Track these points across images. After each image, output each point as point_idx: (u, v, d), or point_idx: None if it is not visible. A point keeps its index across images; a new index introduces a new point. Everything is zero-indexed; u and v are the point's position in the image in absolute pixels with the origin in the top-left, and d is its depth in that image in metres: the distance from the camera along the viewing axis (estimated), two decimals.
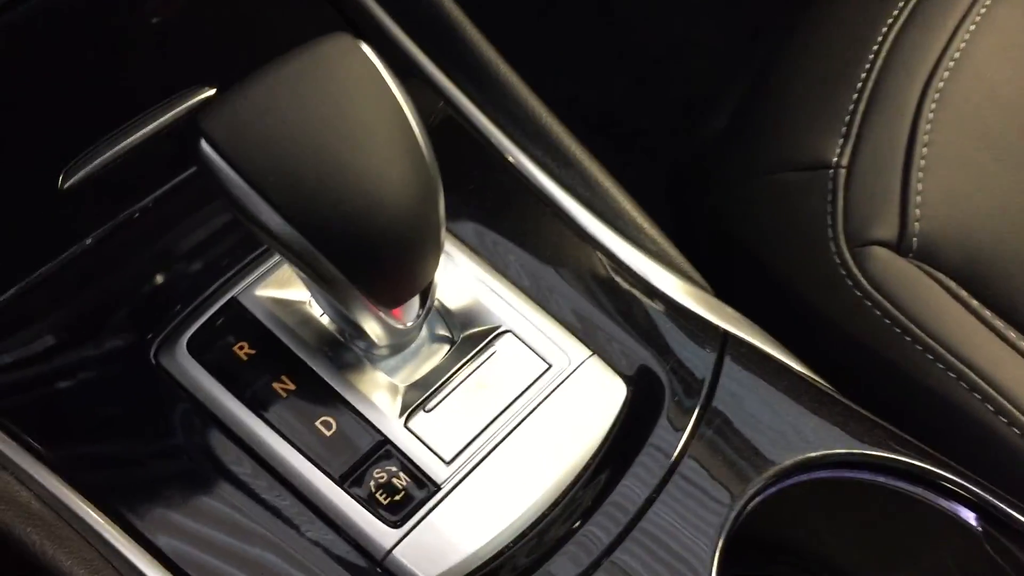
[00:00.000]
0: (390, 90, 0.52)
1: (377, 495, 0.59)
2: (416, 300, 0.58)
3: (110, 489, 0.58)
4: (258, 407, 0.60)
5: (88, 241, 0.65)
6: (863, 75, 0.88)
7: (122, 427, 0.60)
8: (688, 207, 0.97)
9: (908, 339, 0.78)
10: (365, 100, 0.51)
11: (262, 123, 0.48)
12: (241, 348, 0.62)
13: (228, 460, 0.59)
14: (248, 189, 0.48)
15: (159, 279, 0.65)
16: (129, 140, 0.66)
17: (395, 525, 0.58)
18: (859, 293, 0.80)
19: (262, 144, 0.48)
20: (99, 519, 0.56)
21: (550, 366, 0.64)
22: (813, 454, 0.62)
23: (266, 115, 0.49)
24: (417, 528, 0.58)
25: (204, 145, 0.48)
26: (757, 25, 1.05)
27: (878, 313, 0.79)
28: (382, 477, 0.59)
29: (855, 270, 0.80)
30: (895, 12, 0.90)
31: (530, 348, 0.65)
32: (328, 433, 0.60)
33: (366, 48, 0.52)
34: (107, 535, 0.55)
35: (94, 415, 0.60)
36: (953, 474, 0.64)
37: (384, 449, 0.60)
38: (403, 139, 0.52)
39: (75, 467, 0.58)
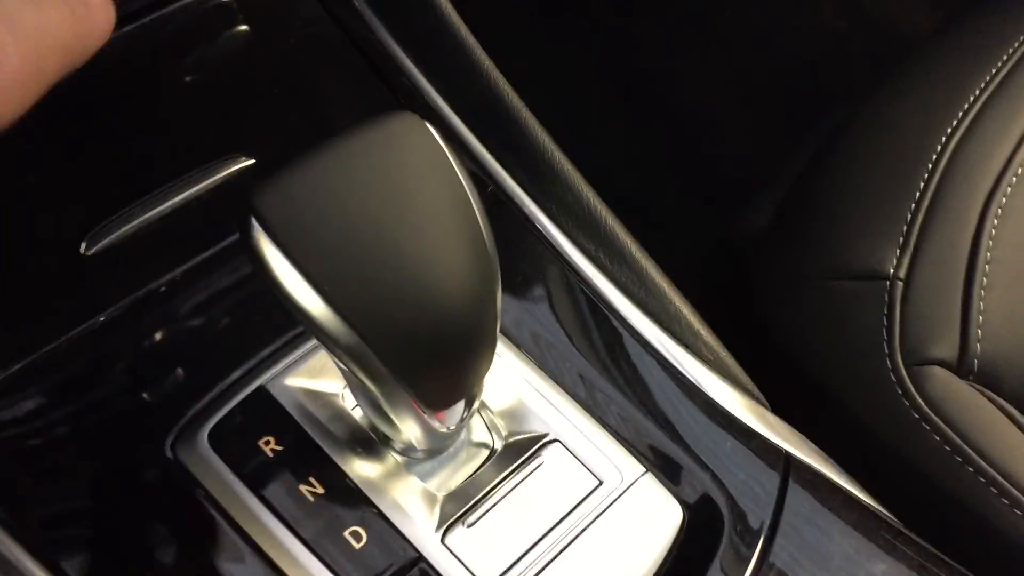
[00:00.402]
0: (456, 175, 0.48)
1: None
2: (462, 403, 0.53)
3: None
4: (283, 512, 0.54)
5: (107, 315, 0.60)
6: (922, 183, 0.84)
7: (132, 526, 0.54)
8: (729, 312, 0.93)
9: (970, 469, 0.73)
10: (429, 185, 0.47)
11: (319, 205, 0.44)
12: (267, 443, 0.56)
13: (247, 571, 0.53)
14: (298, 276, 0.44)
15: (180, 361, 0.60)
16: (161, 208, 0.62)
17: None
18: (917, 415, 0.75)
19: (318, 228, 0.44)
20: None
21: (601, 482, 0.59)
22: None
23: (324, 196, 0.44)
24: None
25: (254, 225, 0.44)
26: (805, 119, 1.02)
27: (937, 438, 0.74)
28: None
29: (912, 390, 0.76)
30: (956, 119, 0.87)
31: (579, 461, 0.59)
32: (358, 545, 0.54)
33: (432, 129, 0.48)
34: None
35: (102, 513, 0.54)
36: None
37: (418, 567, 0.54)
38: (468, 227, 0.48)
39: (82, 570, 0.52)
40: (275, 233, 0.43)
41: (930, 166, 0.85)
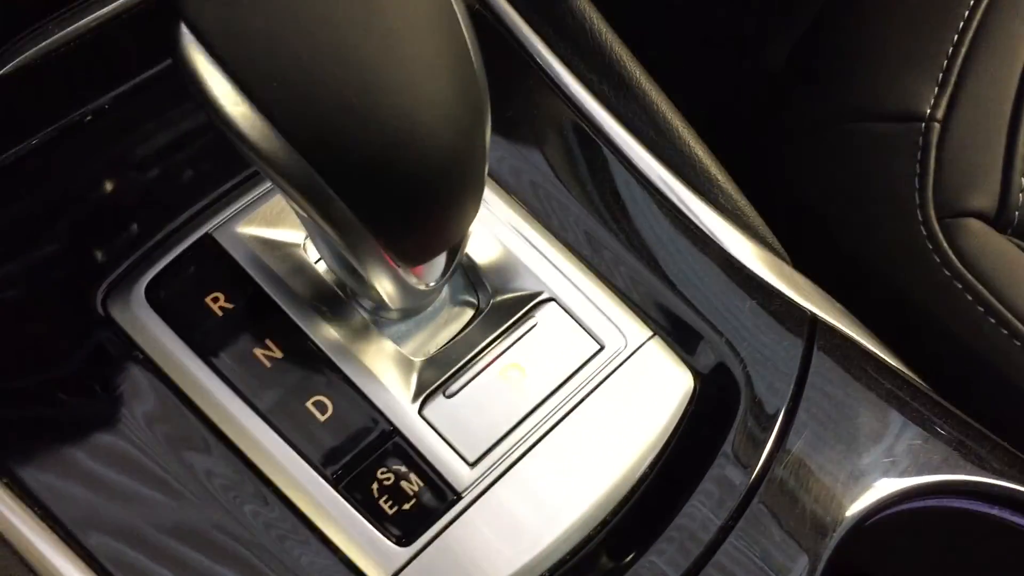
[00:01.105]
0: None
1: (381, 502, 0.46)
2: (443, 255, 0.45)
3: (36, 476, 0.45)
4: (234, 378, 0.47)
5: (25, 146, 0.51)
6: (966, 12, 0.75)
7: (56, 394, 0.47)
8: (743, 159, 0.84)
9: (1004, 331, 0.66)
10: None
11: (265, 8, 0.35)
12: (216, 300, 0.48)
13: (192, 447, 0.46)
14: (241, 98, 0.36)
15: (112, 203, 0.51)
16: (84, 20, 0.52)
17: (402, 543, 0.46)
18: (948, 272, 0.68)
19: (264, 37, 0.36)
20: (21, 513, 0.43)
21: (602, 347, 0.52)
22: (921, 480, 0.50)
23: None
24: (429, 548, 0.46)
25: (184, 33, 0.36)
26: None
27: (969, 297, 0.67)
28: (388, 479, 0.47)
29: (944, 245, 0.69)
30: None
31: (578, 322, 0.52)
32: (322, 417, 0.47)
33: None
34: (33, 536, 0.43)
35: (22, 374, 0.47)
36: None
37: (392, 442, 0.48)
38: (450, 44, 0.39)
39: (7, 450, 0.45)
40: (209, 41, 0.36)
41: None
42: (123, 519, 0.44)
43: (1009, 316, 0.67)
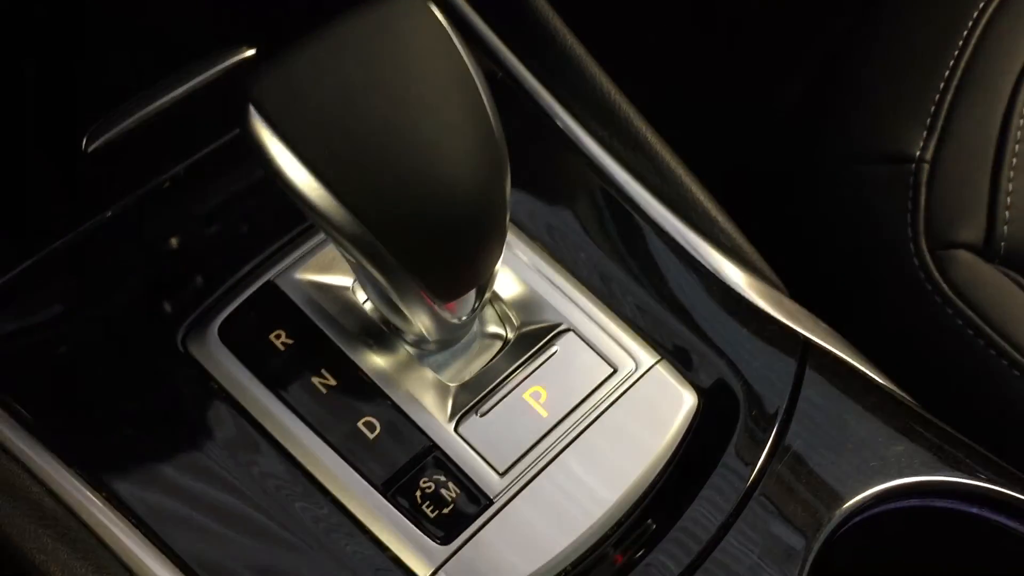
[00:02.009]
0: (461, 57, 0.46)
1: (423, 507, 0.53)
2: (473, 292, 0.52)
3: (128, 486, 0.52)
4: (295, 404, 0.54)
5: (112, 212, 0.59)
6: (951, 62, 0.81)
7: (144, 420, 0.54)
8: (750, 194, 0.91)
9: (993, 352, 0.72)
10: (433, 68, 0.45)
11: (319, 91, 0.43)
12: (278, 337, 0.56)
13: (261, 462, 0.53)
14: (300, 166, 0.43)
15: (188, 256, 0.59)
16: (161, 101, 0.61)
17: (442, 542, 0.52)
18: (940, 299, 0.74)
19: (318, 115, 0.43)
20: (118, 522, 0.50)
21: (615, 370, 0.58)
22: (904, 481, 0.56)
23: (324, 82, 0.43)
24: (466, 546, 0.52)
25: (252, 114, 0.43)
26: (830, 3, 0.98)
27: (960, 322, 0.73)
28: (429, 487, 0.54)
29: (936, 275, 0.74)
30: None
31: (593, 349, 0.59)
32: (371, 435, 0.54)
33: (436, 10, 0.46)
34: (128, 541, 0.50)
35: (114, 405, 0.54)
36: None
37: (432, 456, 0.54)
38: (474, 112, 0.46)
39: (92, 463, 0.52)
40: (274, 121, 0.42)
41: (960, 43, 0.82)
42: (204, 525, 0.52)
43: (997, 338, 0.72)
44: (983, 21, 0.82)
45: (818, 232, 0.82)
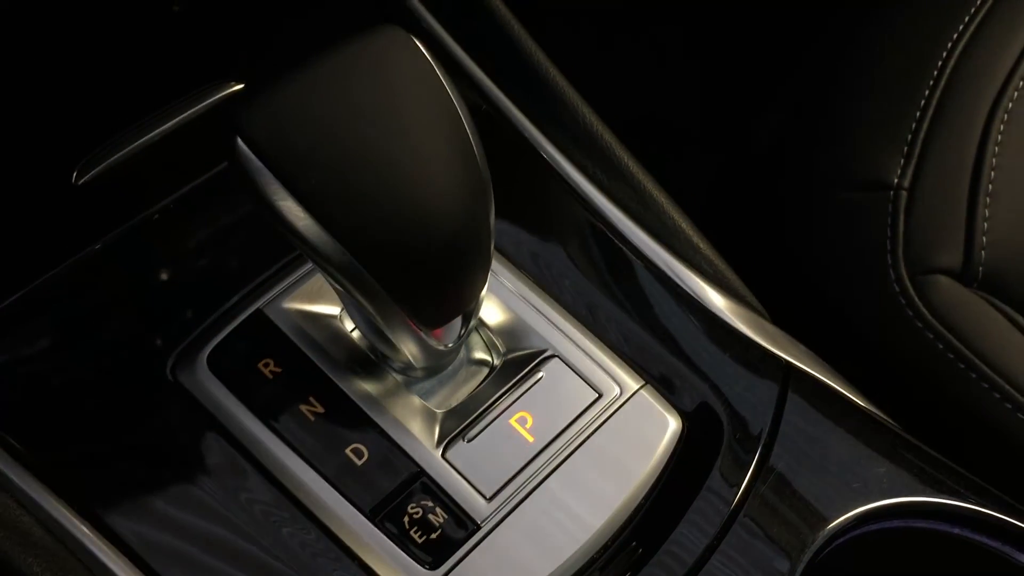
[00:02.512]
0: (444, 89, 0.47)
1: (411, 532, 0.54)
2: (459, 320, 0.53)
3: (119, 516, 0.52)
4: (284, 431, 0.55)
5: (102, 243, 0.60)
6: (927, 91, 0.83)
7: (133, 448, 0.55)
8: (733, 223, 0.92)
9: (973, 375, 0.73)
10: (417, 99, 0.46)
11: (305, 121, 0.44)
12: (267, 366, 0.56)
13: (249, 489, 0.54)
14: (286, 194, 0.44)
15: (178, 287, 0.60)
16: (150, 135, 0.62)
17: (431, 567, 0.53)
18: (920, 324, 0.75)
19: (304, 145, 0.44)
20: (107, 550, 0.51)
21: (600, 395, 0.59)
22: (886, 502, 0.57)
23: (310, 113, 0.44)
24: (454, 571, 0.53)
25: (240, 144, 0.44)
26: (808, 33, 1.00)
27: (940, 346, 0.74)
28: (417, 512, 0.54)
29: (916, 299, 0.75)
30: (961, 26, 0.85)
31: (578, 375, 0.60)
32: (359, 462, 0.55)
33: (418, 43, 0.47)
34: (117, 570, 0.50)
35: (103, 434, 0.55)
36: None
37: (420, 481, 0.55)
38: (457, 143, 0.47)
39: (81, 491, 0.52)
40: (261, 151, 0.43)
41: (935, 73, 0.84)
42: (192, 554, 0.52)
43: (976, 361, 0.73)
44: (957, 51, 0.84)
45: (799, 258, 0.83)
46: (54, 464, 0.53)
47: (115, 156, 0.61)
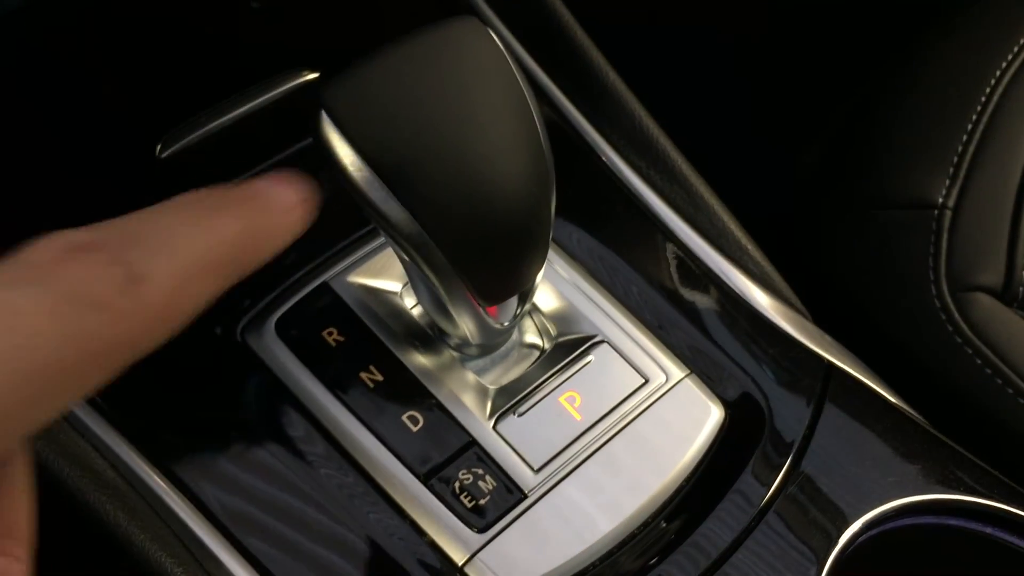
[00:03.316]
0: (515, 78, 0.50)
1: (462, 498, 0.56)
2: (515, 299, 0.56)
3: (187, 467, 0.55)
4: (344, 395, 0.58)
5: None
6: (974, 115, 0.85)
7: (203, 405, 0.58)
8: (783, 236, 0.94)
9: (1010, 390, 0.74)
10: (490, 86, 0.49)
11: (385, 100, 0.47)
12: (330, 334, 0.59)
13: (309, 448, 0.57)
14: (365, 167, 0.47)
15: None
16: (230, 115, 0.65)
17: (479, 530, 0.55)
18: (959, 339, 0.76)
19: (384, 122, 0.47)
20: (175, 496, 0.54)
21: (646, 381, 0.61)
22: (923, 497, 0.58)
23: (390, 92, 0.47)
24: (501, 536, 0.55)
25: (324, 118, 0.47)
26: (858, 56, 1.02)
27: (979, 362, 0.76)
28: (468, 479, 0.57)
29: (956, 315, 0.77)
30: (1011, 53, 0.87)
31: (626, 360, 0.62)
32: (415, 429, 0.57)
33: (493, 34, 0.50)
34: (183, 515, 0.53)
35: (175, 390, 0.58)
36: None
37: (472, 450, 0.57)
38: (525, 129, 0.50)
39: (152, 441, 0.55)
40: (344, 126, 0.46)
41: (983, 99, 0.86)
42: (253, 497, 0.55)
43: (1014, 377, 0.75)
44: (1007, 78, 0.86)
45: (841, 271, 0.85)
46: (129, 415, 0.56)
47: (196, 132, 0.64)
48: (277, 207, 0.38)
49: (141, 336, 0.32)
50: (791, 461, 0.59)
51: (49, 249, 0.30)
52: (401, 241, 0.49)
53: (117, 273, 0.31)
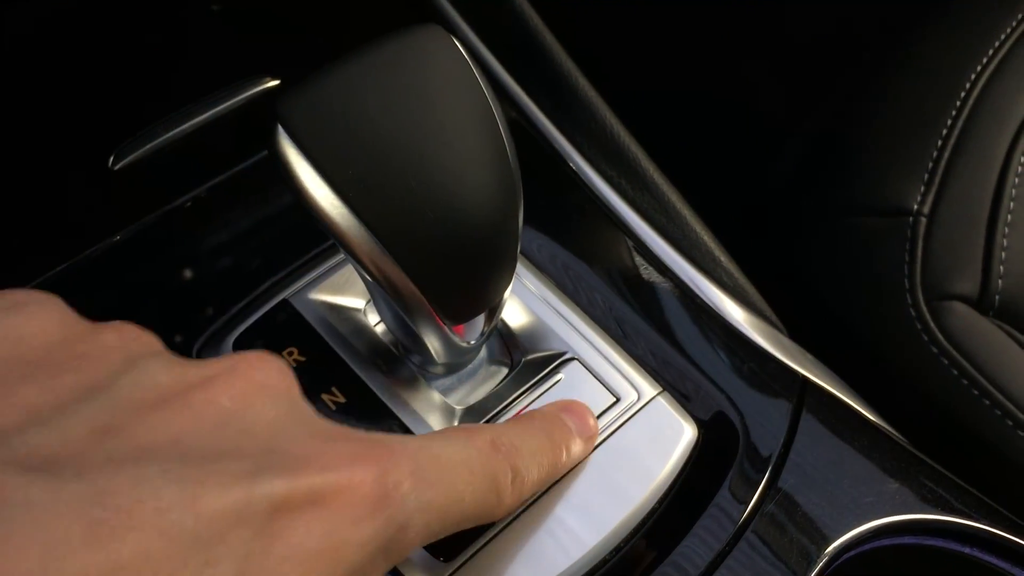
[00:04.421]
0: (480, 88, 0.48)
1: None
2: (482, 317, 0.54)
3: None
4: None
5: (136, 227, 0.61)
6: (949, 121, 0.84)
7: None
8: (752, 243, 0.93)
9: (986, 401, 0.73)
10: (454, 96, 0.47)
11: (343, 112, 0.45)
12: (291, 354, 0.57)
13: None
14: (322, 184, 0.45)
15: (208, 274, 0.61)
16: (186, 125, 0.63)
17: (445, 558, 0.53)
18: (935, 349, 0.75)
19: (342, 135, 0.45)
20: None
21: (617, 400, 0.60)
22: (899, 518, 0.57)
23: (348, 104, 0.45)
24: (467, 563, 0.53)
25: (279, 130, 0.44)
26: (834, 64, 1.01)
27: (955, 372, 0.74)
28: None
29: (932, 325, 0.76)
30: (985, 58, 0.86)
31: (597, 378, 0.60)
32: None
33: (457, 42, 0.48)
34: None
35: None
36: None
37: None
38: (491, 141, 0.48)
39: None
40: (299, 138, 0.44)
41: (958, 104, 0.85)
42: None
43: (991, 388, 0.73)
44: (981, 83, 0.85)
45: (815, 279, 0.84)
46: None
47: (151, 143, 0.62)
48: (590, 438, 0.57)
49: (488, 520, 0.45)
50: (766, 481, 0.57)
51: (484, 439, 0.44)
52: (361, 259, 0.47)
53: (512, 472, 0.45)
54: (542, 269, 0.65)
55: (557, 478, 0.54)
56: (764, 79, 1.15)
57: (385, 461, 0.37)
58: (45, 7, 0.57)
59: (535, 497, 0.56)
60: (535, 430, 0.50)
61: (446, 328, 0.52)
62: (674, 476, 0.58)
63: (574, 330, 0.62)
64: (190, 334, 0.58)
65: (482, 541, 0.54)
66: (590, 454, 0.57)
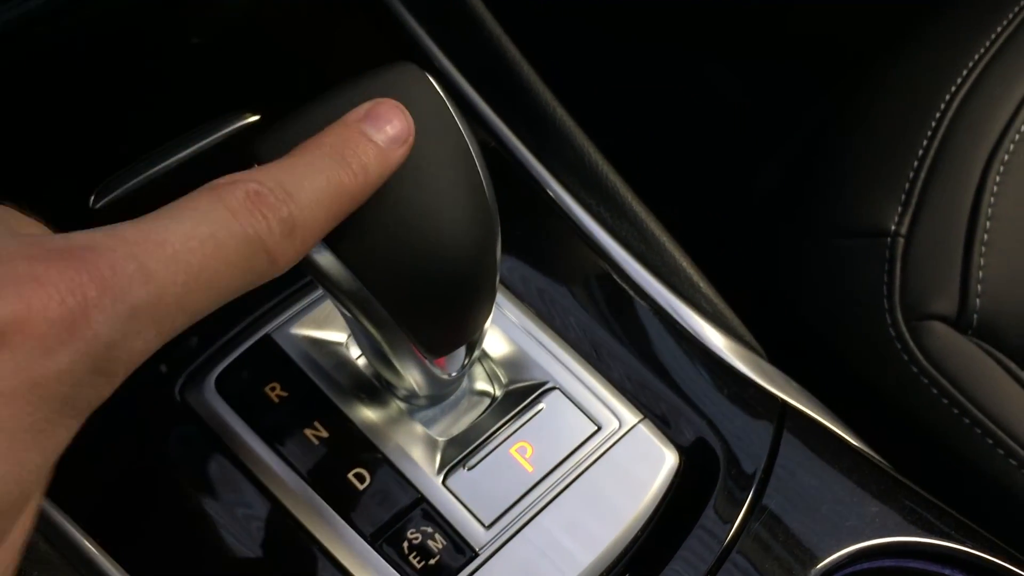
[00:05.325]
0: (456, 124, 0.49)
1: (411, 558, 0.54)
2: (463, 349, 0.54)
3: (123, 533, 0.53)
4: (288, 454, 0.56)
5: None
6: (925, 142, 0.85)
7: (140, 467, 0.56)
8: (732, 267, 0.94)
9: (966, 420, 0.74)
10: (430, 133, 0.48)
11: None
12: (273, 389, 0.58)
13: (252, 511, 0.55)
14: None
15: None
16: (167, 162, 0.63)
17: None
18: (915, 368, 0.76)
19: None
20: (111, 567, 0.52)
21: (599, 428, 0.60)
22: (879, 541, 0.57)
23: None
24: None
25: None
26: (812, 86, 1.02)
27: (935, 391, 0.75)
28: (416, 538, 0.55)
29: (911, 344, 0.77)
30: (959, 79, 0.88)
31: (578, 407, 0.61)
32: (361, 487, 0.56)
33: (432, 80, 0.49)
34: None
35: (110, 451, 0.56)
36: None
37: (420, 508, 0.56)
38: (467, 177, 0.49)
39: (87, 507, 0.53)
40: None
41: (933, 124, 0.86)
42: (190, 569, 0.53)
43: (970, 407, 0.74)
44: (956, 102, 0.86)
45: (795, 301, 0.85)
46: (61, 479, 0.54)
47: (132, 182, 0.62)
48: (402, 142, 0.45)
49: (268, 279, 0.39)
50: (746, 509, 0.58)
51: (236, 195, 0.37)
52: (341, 296, 0.48)
53: (282, 225, 0.37)
54: (523, 299, 0.65)
55: (359, 205, 0.43)
56: (742, 102, 1.16)
57: (73, 273, 0.32)
58: (21, 48, 0.57)
59: (519, 527, 0.56)
60: (319, 159, 0.41)
61: (427, 361, 0.53)
62: (657, 502, 0.59)
63: (555, 359, 0.62)
64: (172, 367, 0.58)
65: (465, 573, 0.54)
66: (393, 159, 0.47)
